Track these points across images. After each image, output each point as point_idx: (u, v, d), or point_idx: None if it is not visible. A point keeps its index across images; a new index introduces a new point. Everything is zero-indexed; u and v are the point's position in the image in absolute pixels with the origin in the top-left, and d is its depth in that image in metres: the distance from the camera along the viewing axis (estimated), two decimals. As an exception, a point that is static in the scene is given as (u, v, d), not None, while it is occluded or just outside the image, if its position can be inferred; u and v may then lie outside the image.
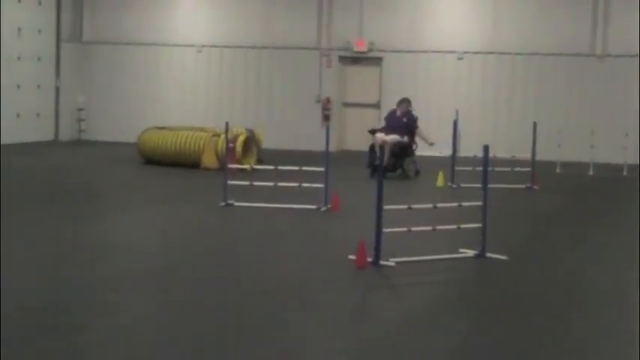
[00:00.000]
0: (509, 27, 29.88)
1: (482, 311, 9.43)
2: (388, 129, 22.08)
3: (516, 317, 9.09)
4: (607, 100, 29.26)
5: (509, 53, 29.90)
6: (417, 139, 22.35)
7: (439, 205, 13.02)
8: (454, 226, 12.36)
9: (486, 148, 12.12)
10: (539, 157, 21.47)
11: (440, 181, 20.86)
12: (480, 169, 12.36)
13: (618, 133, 26.91)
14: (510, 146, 26.00)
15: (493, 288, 10.59)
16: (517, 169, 21.16)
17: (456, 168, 20.97)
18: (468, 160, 20.37)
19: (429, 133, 22.67)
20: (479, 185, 12.29)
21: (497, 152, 21.34)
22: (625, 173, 24.88)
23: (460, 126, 22.75)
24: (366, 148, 22.68)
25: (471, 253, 12.01)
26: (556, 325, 8.79)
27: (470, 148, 20.83)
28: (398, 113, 22.38)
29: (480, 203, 12.13)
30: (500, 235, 13.03)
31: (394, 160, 21.78)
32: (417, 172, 22.18)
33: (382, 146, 20.47)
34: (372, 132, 22.40)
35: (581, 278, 11.17)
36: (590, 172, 24.57)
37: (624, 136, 26.27)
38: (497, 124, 29.42)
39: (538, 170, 21.08)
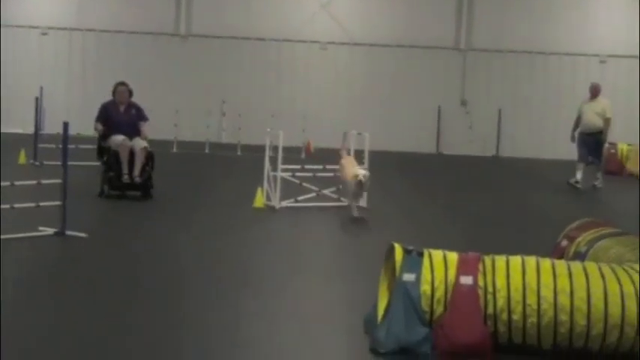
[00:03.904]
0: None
1: (65, 288, 9.42)
2: (115, 128, 16.11)
3: (96, 291, 9.18)
4: (190, 82, 30.30)
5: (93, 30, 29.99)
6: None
7: (17, 182, 12.84)
8: (33, 204, 12.25)
9: (66, 125, 12.11)
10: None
11: (22, 159, 20.52)
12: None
13: (200, 112, 28.08)
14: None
15: (74, 264, 10.63)
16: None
17: (40, 145, 20.73)
18: (52, 138, 20.17)
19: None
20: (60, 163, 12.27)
21: (80, 130, 21.50)
22: (207, 150, 25.96)
23: (44, 103, 22.46)
24: None
25: (50, 230, 11.95)
26: (136, 297, 9.02)
27: (56, 126, 20.62)
28: (121, 107, 16.35)
29: (59, 181, 12.12)
30: (80, 213, 13.06)
31: (149, 172, 16.05)
32: None
33: None
34: None
35: (164, 251, 11.48)
36: (174, 150, 25.34)
37: (207, 115, 27.47)
38: (83, 101, 29.23)
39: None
